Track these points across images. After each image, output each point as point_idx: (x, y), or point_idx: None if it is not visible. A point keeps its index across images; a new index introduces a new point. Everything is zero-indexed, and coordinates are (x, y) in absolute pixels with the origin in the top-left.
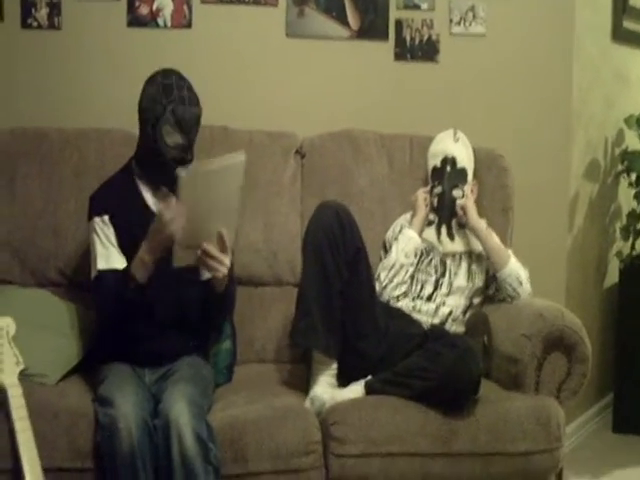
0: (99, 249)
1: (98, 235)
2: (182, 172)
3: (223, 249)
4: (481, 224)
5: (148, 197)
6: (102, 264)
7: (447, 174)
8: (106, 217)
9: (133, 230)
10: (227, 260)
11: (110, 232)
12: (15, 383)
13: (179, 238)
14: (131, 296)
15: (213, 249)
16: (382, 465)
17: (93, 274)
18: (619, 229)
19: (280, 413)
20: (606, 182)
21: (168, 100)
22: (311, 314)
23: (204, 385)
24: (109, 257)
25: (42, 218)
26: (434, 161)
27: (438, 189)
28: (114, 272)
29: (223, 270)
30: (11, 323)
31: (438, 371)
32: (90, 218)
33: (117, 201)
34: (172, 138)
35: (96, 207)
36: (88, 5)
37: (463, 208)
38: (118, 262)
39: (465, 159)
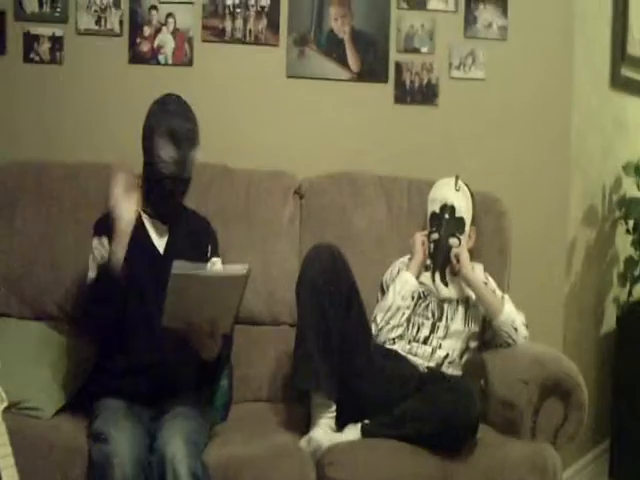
0: (91, 264)
1: (93, 253)
2: (176, 265)
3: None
4: (473, 274)
5: (151, 227)
6: (92, 274)
7: (445, 222)
8: (105, 239)
9: (132, 258)
10: (215, 346)
11: (104, 252)
12: None
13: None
14: (111, 276)
15: (201, 330)
16: None
17: (88, 282)
18: (616, 275)
19: (276, 452)
20: (604, 228)
21: (164, 114)
22: (311, 358)
23: (200, 423)
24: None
25: (40, 251)
26: (433, 207)
27: (435, 235)
28: None
29: (209, 353)
30: None
31: (436, 414)
32: (93, 236)
33: None
34: (165, 150)
35: (97, 230)
36: (90, 41)
37: (457, 257)
38: None
39: (464, 209)
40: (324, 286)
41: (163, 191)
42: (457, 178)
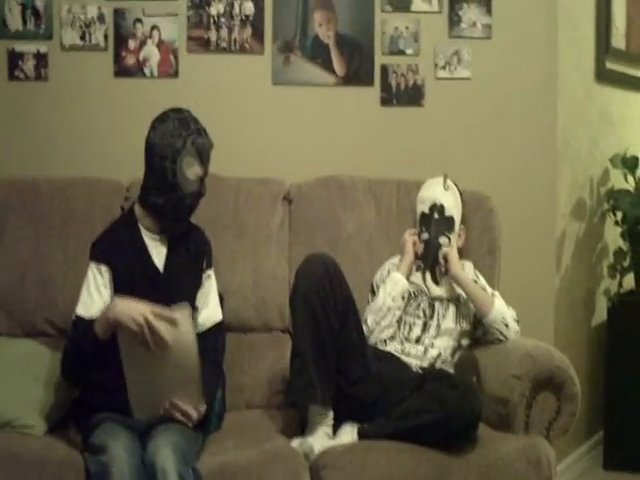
0: (84, 295)
1: (88, 281)
2: None
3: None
4: (463, 273)
5: (151, 245)
6: (81, 310)
7: (434, 221)
8: (103, 267)
9: (133, 280)
10: (194, 414)
11: (101, 282)
12: None
13: (132, 389)
14: (86, 348)
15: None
16: None
17: (74, 315)
18: (606, 267)
19: (269, 457)
20: (592, 221)
21: (187, 133)
22: (307, 371)
23: (191, 433)
24: (89, 305)
25: (30, 268)
26: (422, 207)
27: (425, 235)
28: (89, 322)
29: (189, 424)
30: None
31: (440, 409)
32: (90, 259)
33: (119, 251)
34: (192, 170)
35: (96, 254)
36: (75, 56)
37: (445, 257)
38: (97, 312)
39: (453, 208)
40: (318, 300)
41: (183, 209)
42: (445, 177)
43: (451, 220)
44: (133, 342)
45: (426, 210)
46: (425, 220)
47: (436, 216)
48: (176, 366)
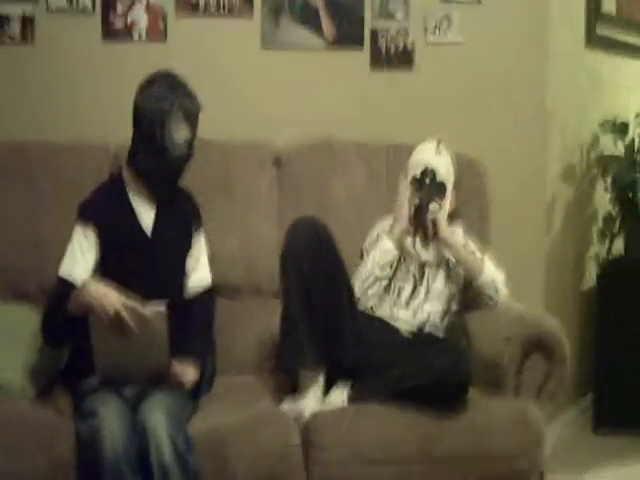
0: (67, 255)
1: (73, 242)
2: None
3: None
4: (452, 238)
5: (139, 209)
6: (64, 271)
7: (426, 186)
8: (89, 229)
9: (121, 243)
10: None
11: (85, 244)
12: None
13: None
14: (61, 317)
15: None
16: (364, 470)
17: (57, 274)
18: (596, 232)
19: (259, 420)
20: (582, 185)
21: (175, 95)
22: (297, 334)
23: (182, 397)
24: (72, 266)
25: (21, 233)
26: (414, 171)
27: (415, 200)
28: (69, 288)
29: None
30: None
31: (430, 373)
32: (76, 220)
33: (106, 213)
34: (180, 133)
35: (83, 215)
36: (62, 19)
37: (435, 221)
38: (79, 274)
39: (445, 173)
40: (307, 263)
41: (171, 173)
42: (439, 142)
43: (442, 185)
44: (102, 322)
45: (418, 175)
46: (416, 185)
47: (427, 181)
48: (144, 352)
